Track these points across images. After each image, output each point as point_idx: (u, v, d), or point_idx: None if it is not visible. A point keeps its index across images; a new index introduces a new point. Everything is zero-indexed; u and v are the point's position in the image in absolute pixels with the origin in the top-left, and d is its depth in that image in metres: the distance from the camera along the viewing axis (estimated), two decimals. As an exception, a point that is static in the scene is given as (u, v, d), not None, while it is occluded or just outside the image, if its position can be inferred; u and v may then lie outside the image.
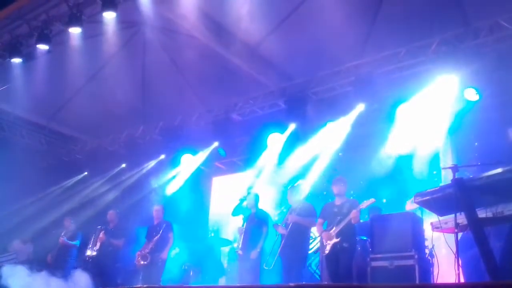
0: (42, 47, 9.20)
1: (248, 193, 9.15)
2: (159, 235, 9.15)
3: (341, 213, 7.28)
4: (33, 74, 10.59)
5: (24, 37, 9.49)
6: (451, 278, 6.51)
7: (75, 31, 8.91)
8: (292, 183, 9.04)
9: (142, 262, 9.00)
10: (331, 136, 9.85)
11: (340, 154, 9.70)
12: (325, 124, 9.94)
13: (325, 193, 9.46)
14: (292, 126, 10.32)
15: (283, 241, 7.95)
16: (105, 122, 12.69)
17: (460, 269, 5.34)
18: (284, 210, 8.54)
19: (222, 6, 9.00)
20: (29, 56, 9.66)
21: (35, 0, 9.15)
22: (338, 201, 7.54)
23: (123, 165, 12.93)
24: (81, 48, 9.99)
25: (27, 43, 9.52)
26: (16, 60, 9.63)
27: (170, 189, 11.94)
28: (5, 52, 9.68)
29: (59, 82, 11.38)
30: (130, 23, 10.35)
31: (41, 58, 9.89)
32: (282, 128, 10.48)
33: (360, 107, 9.40)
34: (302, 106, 9.74)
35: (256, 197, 8.91)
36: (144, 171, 12.57)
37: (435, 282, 6.78)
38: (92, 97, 11.95)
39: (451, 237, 5.46)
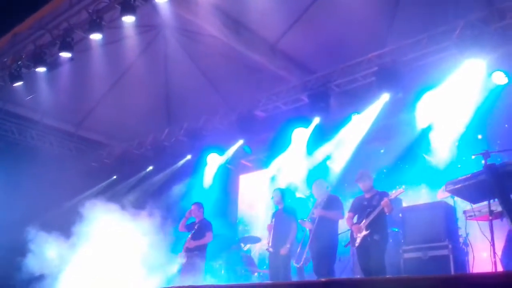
0: (65, 55, 9.36)
1: (275, 190, 9.08)
2: (194, 231, 9.10)
3: (371, 206, 7.15)
4: (59, 82, 10.78)
5: (47, 46, 9.66)
6: (487, 267, 6.35)
7: (96, 37, 9.02)
8: (316, 177, 8.97)
9: (180, 260, 9.01)
10: (357, 127, 9.76)
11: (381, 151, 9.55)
12: (349, 116, 9.84)
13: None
14: (316, 120, 10.25)
15: (311, 236, 7.87)
16: (131, 126, 12.84)
17: (497, 257, 5.19)
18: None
19: (240, 4, 8.98)
20: (53, 65, 9.82)
21: (55, 9, 9.28)
22: (367, 195, 7.40)
23: (151, 168, 13.04)
24: (104, 54, 10.12)
25: (50, 52, 9.69)
26: (41, 69, 9.80)
27: (198, 189, 11.99)
28: (29, 62, 9.86)
29: (84, 89, 11.57)
30: (150, 26, 10.45)
31: (65, 66, 10.04)
32: (306, 122, 10.42)
33: (384, 97, 9.25)
34: (325, 99, 9.63)
35: (283, 193, 8.84)
36: (171, 172, 12.65)
37: (470, 271, 6.62)
38: (117, 102, 12.12)
39: (485, 225, 5.32)
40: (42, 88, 10.68)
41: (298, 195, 10.54)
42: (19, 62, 10.01)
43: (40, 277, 9.07)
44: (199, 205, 9.49)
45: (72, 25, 9.26)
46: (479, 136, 7.93)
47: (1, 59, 10.39)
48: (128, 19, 8.65)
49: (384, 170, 9.17)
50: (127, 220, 8.35)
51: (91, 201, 8.57)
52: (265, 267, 9.74)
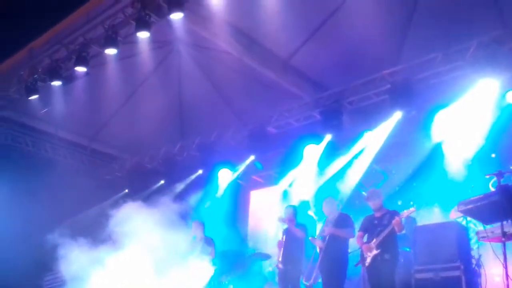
0: (80, 69, 9.46)
1: (287, 207, 9.06)
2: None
3: (381, 225, 7.10)
4: (74, 96, 10.89)
5: (63, 60, 9.77)
6: (500, 290, 6.24)
7: (111, 52, 9.12)
8: (327, 194, 8.93)
9: None
10: (369, 145, 9.74)
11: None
12: (361, 134, 9.82)
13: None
14: (328, 137, 10.23)
15: (321, 255, 7.82)
16: (143, 140, 12.92)
17: (510, 279, 5.11)
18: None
19: (253, 20, 9.05)
20: (68, 79, 9.94)
21: (72, 25, 9.44)
22: (377, 214, 7.36)
23: (162, 182, 13.07)
24: (119, 69, 10.23)
25: (66, 66, 9.80)
26: (57, 83, 9.93)
27: (208, 204, 12.00)
28: (45, 75, 9.98)
29: (98, 103, 11.69)
30: (164, 42, 10.55)
31: (80, 80, 10.17)
32: (318, 139, 10.41)
33: (397, 115, 9.22)
34: (338, 117, 9.62)
35: (295, 210, 8.81)
36: (182, 186, 12.66)
37: (483, 294, 6.52)
38: (131, 116, 12.21)
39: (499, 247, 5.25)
40: (57, 101, 10.81)
41: (310, 213, 10.51)
42: (35, 76, 10.14)
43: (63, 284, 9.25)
44: (198, 223, 9.52)
45: (88, 40, 9.38)
46: (493, 155, 7.87)
47: (18, 72, 10.56)
48: (143, 35, 8.76)
49: (397, 188, 9.12)
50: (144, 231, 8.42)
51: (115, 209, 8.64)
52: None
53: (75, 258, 8.36)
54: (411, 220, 8.42)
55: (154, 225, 8.18)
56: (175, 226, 8.27)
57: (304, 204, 10.50)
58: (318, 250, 8.08)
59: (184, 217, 9.53)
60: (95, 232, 8.66)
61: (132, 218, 8.27)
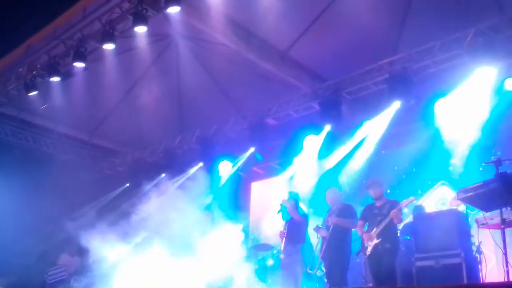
0: (79, 64, 9.49)
1: (289, 197, 9.11)
2: None
3: (381, 214, 7.16)
4: (73, 91, 10.92)
5: (61, 56, 9.79)
6: (500, 276, 6.31)
7: (109, 47, 9.14)
8: (330, 184, 8.98)
9: None
10: (368, 134, 9.77)
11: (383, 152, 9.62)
12: (361, 124, 9.85)
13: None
14: (327, 127, 10.25)
15: (324, 244, 7.90)
16: (143, 134, 12.95)
17: (510, 266, 5.17)
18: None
19: (250, 12, 9.04)
20: (67, 74, 9.95)
21: (69, 20, 9.44)
22: (378, 203, 7.42)
23: (163, 175, 13.11)
24: (117, 63, 10.24)
25: (64, 62, 9.82)
26: (55, 79, 9.95)
27: (209, 196, 12.03)
28: (44, 72, 10.01)
29: (98, 97, 11.71)
30: (162, 35, 10.55)
31: (79, 76, 10.18)
32: (318, 130, 10.44)
33: (396, 105, 9.24)
34: (337, 107, 9.64)
35: (296, 201, 8.87)
36: (183, 179, 12.70)
37: (483, 280, 6.59)
38: (130, 110, 12.23)
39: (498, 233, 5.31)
40: (56, 97, 10.82)
41: (300, 204, 10.53)
42: (33, 72, 10.17)
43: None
44: (209, 213, 9.60)
45: (85, 35, 9.40)
46: (497, 152, 7.92)
47: (16, 69, 10.57)
48: (140, 29, 8.76)
49: (403, 176, 9.16)
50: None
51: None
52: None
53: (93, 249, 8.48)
54: (420, 208, 8.50)
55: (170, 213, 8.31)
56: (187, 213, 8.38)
57: (295, 196, 10.53)
58: (319, 240, 8.17)
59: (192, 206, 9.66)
60: (107, 223, 8.75)
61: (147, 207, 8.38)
